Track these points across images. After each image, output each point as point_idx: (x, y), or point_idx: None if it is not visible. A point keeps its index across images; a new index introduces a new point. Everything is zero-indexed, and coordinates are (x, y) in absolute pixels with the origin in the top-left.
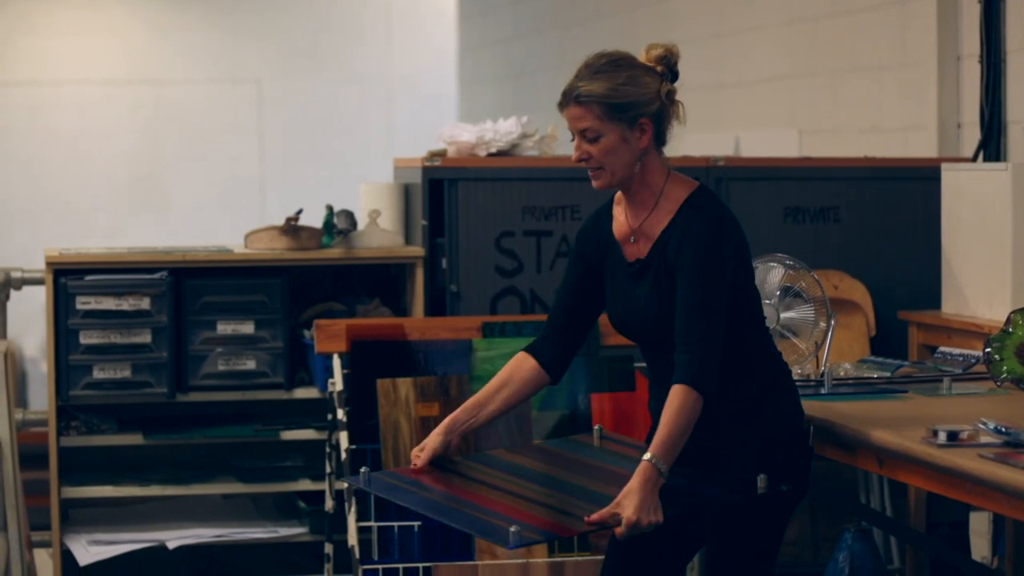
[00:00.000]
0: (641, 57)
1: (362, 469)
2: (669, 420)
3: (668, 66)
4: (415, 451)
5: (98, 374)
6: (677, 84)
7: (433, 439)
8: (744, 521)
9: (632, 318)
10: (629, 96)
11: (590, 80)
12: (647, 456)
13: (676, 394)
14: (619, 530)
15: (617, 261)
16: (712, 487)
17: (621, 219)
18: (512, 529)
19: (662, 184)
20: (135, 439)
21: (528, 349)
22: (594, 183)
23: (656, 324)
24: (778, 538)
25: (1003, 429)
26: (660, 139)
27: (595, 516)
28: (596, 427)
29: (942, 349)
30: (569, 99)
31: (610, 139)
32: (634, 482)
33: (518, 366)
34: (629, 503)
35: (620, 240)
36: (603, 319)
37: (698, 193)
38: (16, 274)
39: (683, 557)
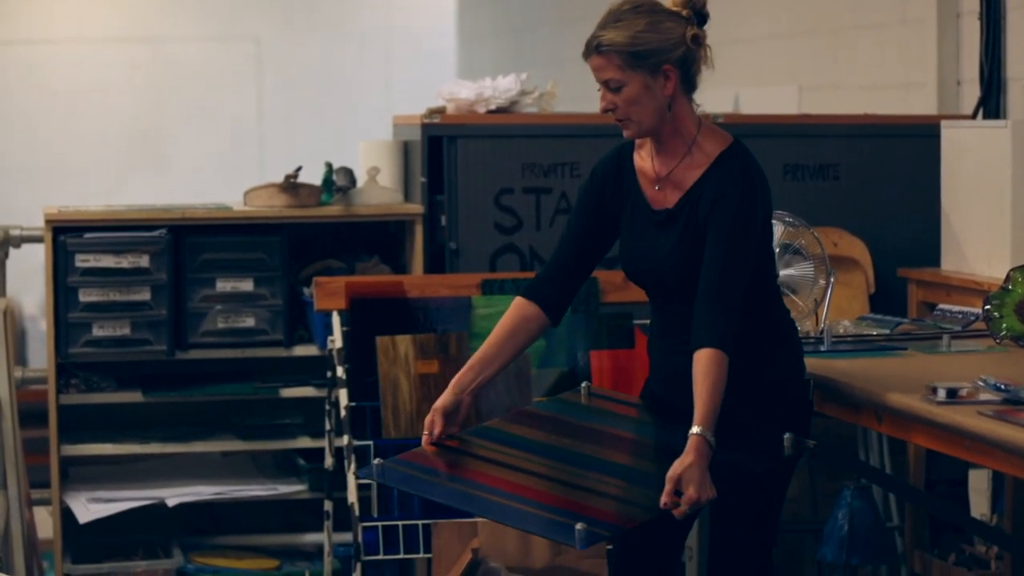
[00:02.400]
0: (666, 1)
1: (375, 461)
2: (709, 388)
3: (694, 9)
4: (427, 423)
5: (97, 332)
6: (706, 28)
7: (443, 401)
8: (753, 487)
9: (648, 265)
10: (649, 43)
11: (610, 29)
12: (696, 430)
13: (709, 359)
14: (680, 510)
15: (639, 205)
16: (740, 454)
17: (646, 163)
18: (578, 527)
19: (695, 133)
20: (134, 397)
21: (526, 294)
22: (624, 133)
23: (675, 275)
24: (781, 495)
25: (1002, 386)
26: (689, 85)
27: (665, 499)
28: (583, 384)
29: (941, 306)
30: (591, 50)
31: (633, 88)
32: (689, 458)
33: (520, 313)
34: (690, 481)
35: (643, 183)
36: (601, 274)
37: (734, 149)
38: (15, 232)
39: (688, 519)
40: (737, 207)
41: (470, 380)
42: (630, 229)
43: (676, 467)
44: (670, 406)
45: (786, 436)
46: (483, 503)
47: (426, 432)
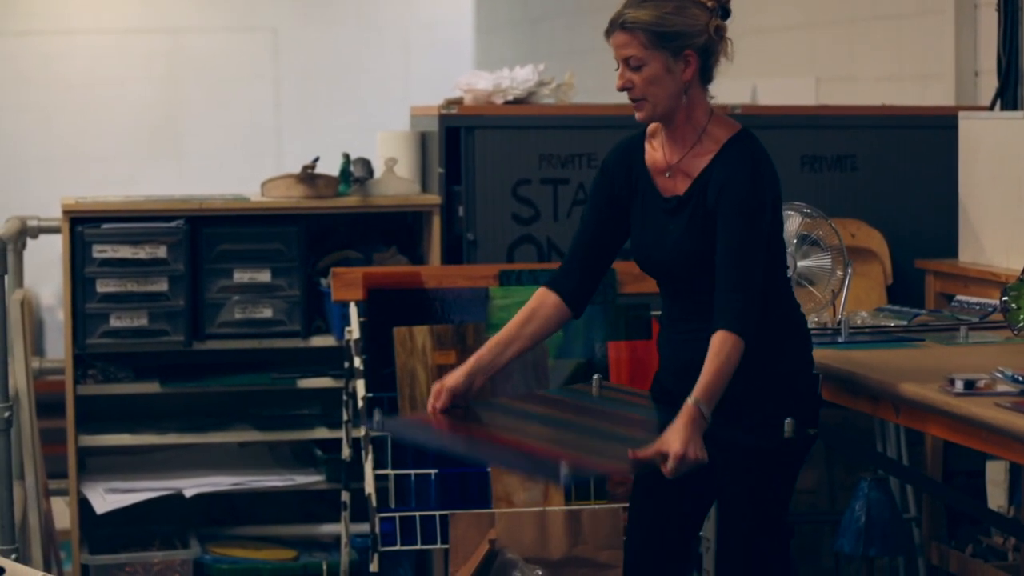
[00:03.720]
0: None
1: (375, 412)
2: (712, 364)
3: (720, 2)
4: (434, 391)
5: (115, 322)
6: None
7: (455, 378)
8: (757, 470)
9: (659, 254)
10: (675, 25)
11: (637, 7)
12: (691, 399)
13: (719, 339)
14: (667, 466)
15: (649, 194)
16: (738, 432)
17: (656, 152)
18: (563, 467)
19: (705, 122)
20: (152, 387)
21: (549, 284)
22: (637, 115)
23: (685, 263)
24: (790, 487)
25: (1020, 378)
26: (706, 75)
27: (641, 453)
28: (595, 376)
29: (959, 298)
30: (615, 26)
31: (653, 68)
32: (678, 422)
33: (541, 302)
34: (675, 438)
35: (653, 173)
36: (619, 266)
37: (741, 135)
38: (33, 223)
39: (701, 509)
40: (745, 191)
41: (486, 363)
42: (641, 219)
43: (667, 431)
44: (679, 398)
45: (787, 421)
46: (475, 449)
47: (431, 400)
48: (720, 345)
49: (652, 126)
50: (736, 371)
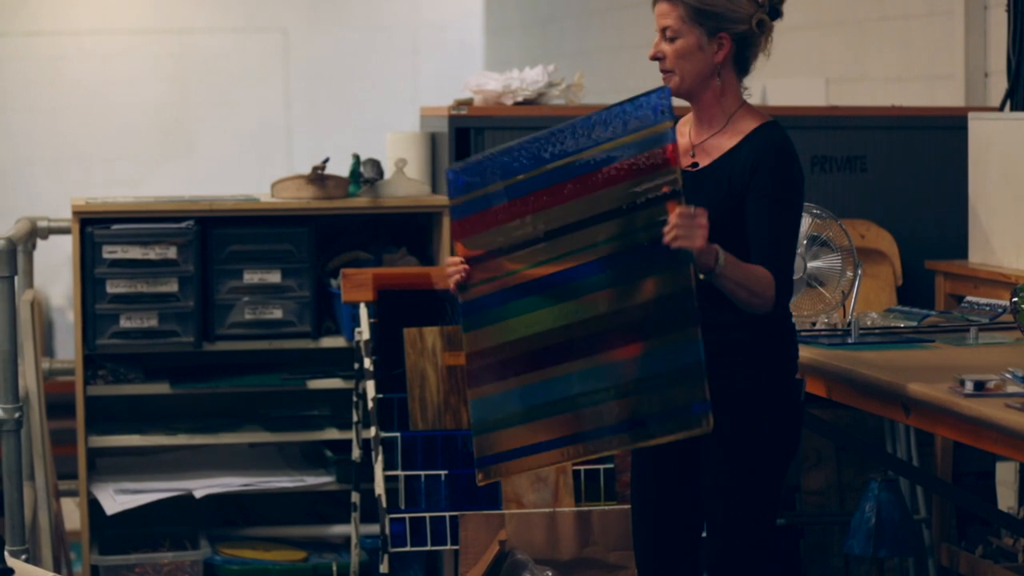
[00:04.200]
0: None
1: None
2: (748, 267)
3: (771, 3)
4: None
5: (125, 323)
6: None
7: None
8: (739, 481)
9: None
10: (716, 6)
11: None
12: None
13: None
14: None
15: None
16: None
17: (683, 138)
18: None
19: (734, 109)
20: (162, 388)
21: None
22: (665, 83)
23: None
24: (775, 498)
25: None
26: (742, 65)
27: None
28: None
29: (969, 299)
30: None
31: (687, 41)
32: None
33: None
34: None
35: (681, 151)
36: None
37: (772, 123)
38: (43, 223)
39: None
40: (778, 173)
41: None
42: None
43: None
44: None
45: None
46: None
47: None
48: (762, 280)
49: (689, 114)
50: (721, 371)
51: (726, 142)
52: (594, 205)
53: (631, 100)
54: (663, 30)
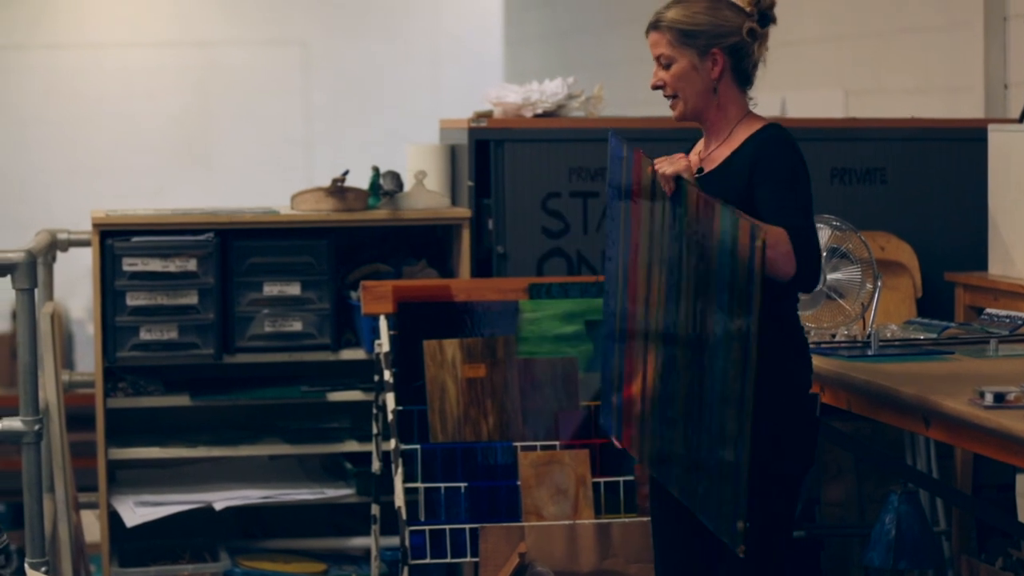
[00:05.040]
0: None
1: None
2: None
3: (759, 8)
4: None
5: (145, 335)
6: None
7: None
8: (755, 496)
9: None
10: (701, 24)
11: (671, 7)
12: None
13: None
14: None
15: None
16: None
17: (695, 154)
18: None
19: (738, 119)
20: (182, 400)
21: None
22: (673, 113)
23: None
24: (791, 512)
25: None
26: (741, 76)
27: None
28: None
29: (988, 311)
30: (650, 27)
31: (681, 65)
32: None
33: None
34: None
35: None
36: None
37: (771, 124)
38: (63, 236)
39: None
40: (778, 160)
41: None
42: None
43: None
44: None
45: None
46: None
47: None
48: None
49: (700, 141)
50: None
51: (728, 148)
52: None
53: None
54: (657, 58)
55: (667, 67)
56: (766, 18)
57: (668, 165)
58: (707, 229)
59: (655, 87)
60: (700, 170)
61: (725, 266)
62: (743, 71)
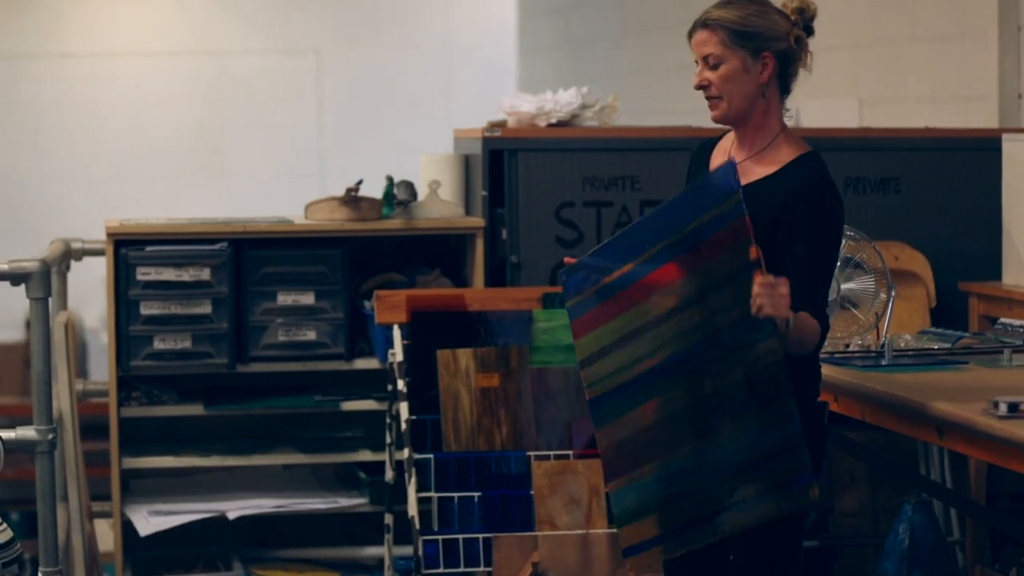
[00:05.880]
0: (777, 2)
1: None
2: (805, 318)
3: (803, 18)
4: None
5: (158, 345)
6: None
7: None
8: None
9: None
10: (756, 26)
11: (721, 7)
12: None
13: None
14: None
15: None
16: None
17: (722, 156)
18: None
19: (777, 132)
20: (196, 410)
21: None
22: (711, 113)
23: None
24: (800, 521)
25: None
26: (784, 84)
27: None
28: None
29: (1003, 320)
30: (698, 25)
31: (731, 65)
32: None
33: None
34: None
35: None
36: None
37: (813, 154)
38: (77, 245)
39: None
40: (816, 213)
41: None
42: None
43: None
44: None
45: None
46: None
47: None
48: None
49: (725, 138)
50: None
51: (764, 168)
52: (690, 286)
53: (703, 179)
54: (704, 58)
55: (714, 67)
56: (809, 28)
57: (770, 307)
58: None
59: (699, 87)
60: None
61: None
62: (786, 78)
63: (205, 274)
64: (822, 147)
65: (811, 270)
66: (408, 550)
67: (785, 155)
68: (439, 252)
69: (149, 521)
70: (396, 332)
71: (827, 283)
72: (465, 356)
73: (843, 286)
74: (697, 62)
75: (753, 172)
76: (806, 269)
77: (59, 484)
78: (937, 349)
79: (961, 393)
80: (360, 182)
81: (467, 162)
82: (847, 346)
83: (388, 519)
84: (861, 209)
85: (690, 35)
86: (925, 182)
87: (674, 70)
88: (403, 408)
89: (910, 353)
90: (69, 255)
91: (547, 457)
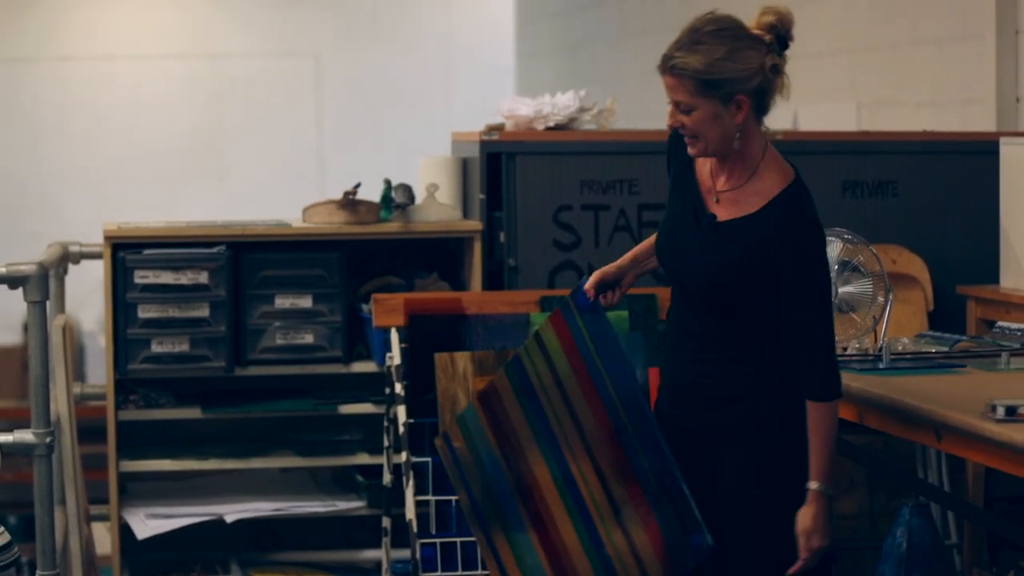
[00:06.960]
0: (751, 23)
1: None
2: (821, 442)
3: (777, 35)
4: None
5: (156, 348)
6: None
7: (609, 268)
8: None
9: (678, 262)
10: (725, 73)
11: (688, 51)
12: (814, 486)
13: (815, 413)
14: (807, 556)
15: (691, 192)
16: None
17: (704, 166)
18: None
19: (759, 158)
20: (193, 413)
21: None
22: (690, 150)
23: (703, 283)
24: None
25: None
26: (761, 111)
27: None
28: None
29: (1000, 324)
30: (665, 67)
31: (702, 113)
32: (812, 512)
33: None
34: (816, 535)
35: (700, 178)
36: (660, 291)
37: (795, 187)
38: (74, 248)
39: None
40: (814, 256)
41: (642, 259)
42: (672, 215)
43: (806, 525)
44: (678, 423)
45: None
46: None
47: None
48: (819, 418)
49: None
50: (735, 399)
51: (750, 199)
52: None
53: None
54: (676, 103)
55: (686, 112)
56: (784, 43)
57: (811, 555)
58: None
59: (673, 128)
60: (713, 216)
61: None
62: (763, 106)
63: (203, 277)
64: (820, 151)
65: (823, 322)
66: (406, 553)
67: (768, 186)
68: (437, 255)
69: (147, 524)
70: (394, 335)
71: (832, 334)
72: (463, 359)
73: (841, 289)
74: (670, 103)
75: (737, 204)
76: (820, 323)
77: (57, 487)
78: (935, 352)
79: (959, 397)
80: (358, 185)
81: (465, 165)
82: (845, 349)
83: (386, 522)
84: (859, 212)
85: (659, 71)
86: (923, 185)
87: None
88: (401, 411)
89: (908, 356)
90: (67, 258)
91: None
